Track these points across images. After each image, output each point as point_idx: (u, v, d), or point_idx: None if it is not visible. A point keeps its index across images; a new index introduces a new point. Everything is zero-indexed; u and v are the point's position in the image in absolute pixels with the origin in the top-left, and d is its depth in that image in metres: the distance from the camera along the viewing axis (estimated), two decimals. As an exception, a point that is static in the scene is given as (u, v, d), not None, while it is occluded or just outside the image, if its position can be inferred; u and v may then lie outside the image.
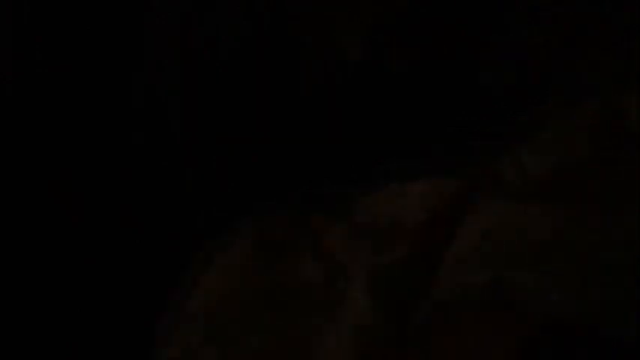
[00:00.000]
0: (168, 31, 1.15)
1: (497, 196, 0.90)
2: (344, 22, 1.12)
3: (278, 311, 0.90)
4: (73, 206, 1.14)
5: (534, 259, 0.85)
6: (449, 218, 0.91)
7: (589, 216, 0.86)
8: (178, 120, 1.14)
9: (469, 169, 0.96)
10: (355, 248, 0.92)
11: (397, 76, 1.11)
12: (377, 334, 0.87)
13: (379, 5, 1.13)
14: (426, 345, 0.85)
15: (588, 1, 1.10)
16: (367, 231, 0.93)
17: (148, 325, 0.97)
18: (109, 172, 1.14)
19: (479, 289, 0.84)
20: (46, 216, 1.13)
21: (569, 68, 1.09)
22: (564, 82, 1.08)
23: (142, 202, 1.13)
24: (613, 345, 0.81)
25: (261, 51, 1.13)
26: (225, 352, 0.88)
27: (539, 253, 0.85)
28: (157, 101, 1.14)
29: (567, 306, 0.82)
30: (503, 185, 0.92)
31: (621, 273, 0.82)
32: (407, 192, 0.94)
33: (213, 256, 0.95)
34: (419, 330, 0.85)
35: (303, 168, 1.10)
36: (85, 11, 1.14)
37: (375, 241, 0.92)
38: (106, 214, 1.14)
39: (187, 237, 1.06)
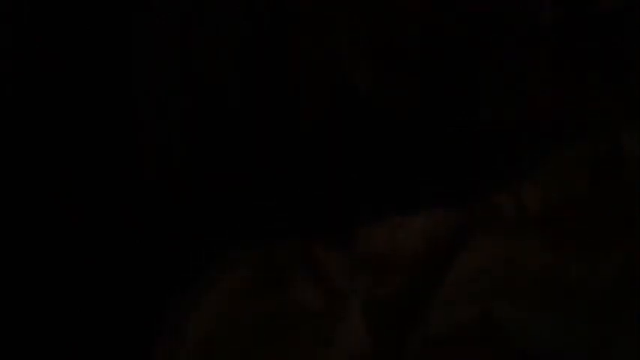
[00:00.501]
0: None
1: (495, 232, 0.92)
2: (349, 48, 1.12)
3: (276, 337, 0.92)
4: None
5: (524, 295, 0.87)
6: (447, 251, 0.93)
7: (580, 252, 0.88)
8: (180, 143, 1.15)
9: (469, 202, 0.97)
10: (354, 278, 0.94)
11: (398, 106, 1.11)
12: (372, 358, 0.89)
13: (383, 35, 1.12)
14: None
15: (587, 38, 1.09)
16: (367, 261, 0.94)
17: (146, 348, 1.00)
18: (109, 186, 1.15)
19: (469, 324, 0.86)
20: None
21: (568, 104, 1.09)
22: (564, 118, 1.08)
23: (143, 226, 1.15)
24: None
25: (262, 81, 1.13)
26: None
27: (529, 289, 0.87)
28: (160, 138, 1.15)
29: (555, 342, 0.84)
30: (501, 220, 0.93)
31: (608, 310, 0.84)
32: (408, 224, 0.95)
33: (214, 281, 0.96)
34: (411, 357, 0.87)
35: (305, 196, 1.12)
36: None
37: (375, 271, 0.93)
38: (106, 232, 1.15)
39: (188, 260, 1.08)
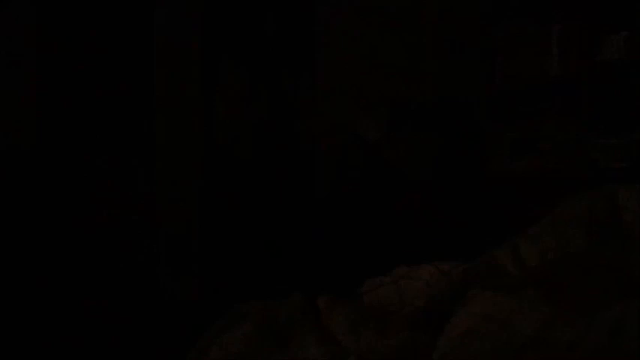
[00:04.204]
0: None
1: (494, 287, 0.92)
2: (363, 106, 1.17)
3: None
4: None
5: (513, 354, 0.86)
6: (448, 304, 0.94)
7: (572, 312, 0.87)
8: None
9: (471, 255, 0.99)
10: (359, 331, 0.94)
11: (406, 158, 1.15)
12: None
13: (395, 95, 1.18)
14: None
15: (594, 87, 1.14)
16: (371, 314, 0.95)
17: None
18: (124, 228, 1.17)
19: None
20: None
21: (573, 159, 1.13)
22: (569, 171, 1.13)
23: (178, 203, 1.16)
24: None
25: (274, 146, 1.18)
26: None
27: (519, 350, 0.87)
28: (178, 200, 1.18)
29: None
30: (500, 275, 0.96)
31: None
32: (413, 275, 0.97)
33: (219, 338, 0.97)
34: None
35: (310, 252, 1.14)
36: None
37: (379, 324, 0.94)
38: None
39: (192, 320, 1.09)
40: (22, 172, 1.18)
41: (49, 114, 1.19)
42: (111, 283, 1.15)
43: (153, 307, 1.14)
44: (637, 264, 0.89)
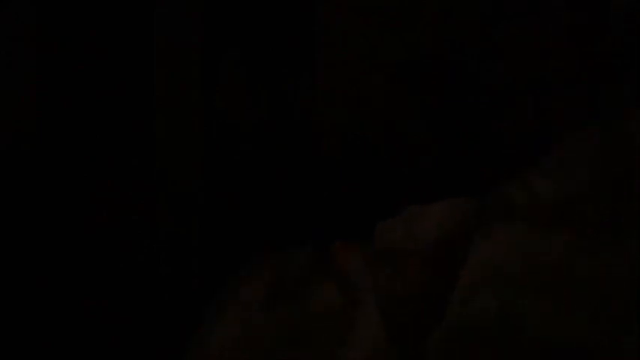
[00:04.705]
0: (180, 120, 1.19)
1: (509, 221, 0.93)
2: (368, 66, 1.16)
3: (299, 340, 0.93)
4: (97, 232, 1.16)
5: (539, 286, 0.87)
6: (462, 242, 0.94)
7: (593, 245, 0.88)
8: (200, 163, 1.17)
9: (483, 191, 0.98)
10: (374, 274, 0.95)
11: (417, 115, 1.14)
12: (390, 355, 0.90)
13: (400, 54, 1.16)
14: None
15: (602, 35, 1.12)
16: (384, 255, 0.96)
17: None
18: (133, 202, 1.17)
19: (487, 316, 0.87)
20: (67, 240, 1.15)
21: (581, 96, 1.12)
22: (576, 110, 1.11)
23: (160, 244, 1.16)
24: None
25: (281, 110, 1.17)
26: None
27: (544, 281, 0.88)
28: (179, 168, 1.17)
29: (570, 332, 0.85)
30: (514, 209, 0.94)
31: (620, 304, 0.85)
32: (425, 213, 0.96)
33: (237, 291, 0.99)
34: (435, 353, 0.88)
35: (323, 202, 1.13)
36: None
37: (391, 266, 0.95)
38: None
39: (209, 274, 1.08)
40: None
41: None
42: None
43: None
44: None
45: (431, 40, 1.20)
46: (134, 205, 1.18)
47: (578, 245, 0.88)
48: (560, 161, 0.97)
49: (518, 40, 1.19)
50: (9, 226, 1.15)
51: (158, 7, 1.19)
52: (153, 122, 1.19)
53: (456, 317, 0.88)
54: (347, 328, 0.92)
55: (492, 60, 1.19)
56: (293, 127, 1.19)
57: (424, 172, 1.11)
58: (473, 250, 0.91)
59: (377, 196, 1.12)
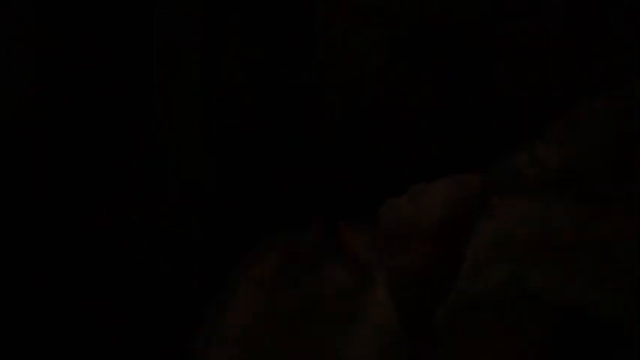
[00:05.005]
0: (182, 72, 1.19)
1: (515, 191, 0.91)
2: (368, 31, 1.15)
3: (309, 321, 0.92)
4: (104, 213, 1.16)
5: (553, 253, 0.86)
6: (470, 216, 0.92)
7: (604, 211, 0.86)
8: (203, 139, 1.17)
9: (488, 164, 0.96)
10: (381, 251, 0.94)
11: (416, 82, 1.13)
12: (400, 335, 0.89)
13: (401, 18, 1.15)
14: (448, 344, 0.86)
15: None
16: (391, 233, 0.95)
17: (181, 346, 0.99)
18: (139, 183, 1.17)
19: (500, 286, 0.86)
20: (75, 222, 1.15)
21: (583, 61, 1.10)
22: (579, 75, 1.09)
23: (180, 201, 1.16)
24: (633, 339, 0.82)
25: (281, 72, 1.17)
26: None
27: (557, 247, 0.86)
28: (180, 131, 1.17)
29: (586, 300, 0.84)
30: (520, 179, 0.93)
31: (634, 267, 0.83)
32: (430, 190, 0.95)
33: (246, 273, 0.98)
34: (442, 329, 0.87)
35: (328, 179, 1.13)
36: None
37: (399, 242, 0.94)
38: (138, 229, 1.16)
39: (219, 254, 1.08)
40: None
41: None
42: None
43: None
44: None
45: (431, 13, 1.18)
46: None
47: (589, 211, 0.86)
48: (565, 128, 0.95)
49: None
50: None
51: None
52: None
53: (463, 292, 0.86)
54: (356, 308, 0.91)
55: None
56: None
57: (428, 149, 1.10)
58: (480, 225, 0.90)
59: (381, 176, 1.11)
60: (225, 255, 1.12)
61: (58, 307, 1.15)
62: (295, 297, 0.94)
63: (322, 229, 0.99)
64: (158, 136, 1.18)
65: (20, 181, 1.17)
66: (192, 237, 1.16)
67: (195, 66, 1.19)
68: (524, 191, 0.90)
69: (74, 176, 1.18)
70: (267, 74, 1.19)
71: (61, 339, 1.14)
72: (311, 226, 1.00)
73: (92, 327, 1.14)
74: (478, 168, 0.96)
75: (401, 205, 0.95)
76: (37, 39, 1.17)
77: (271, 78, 1.19)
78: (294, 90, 1.18)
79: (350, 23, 1.19)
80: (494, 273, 0.86)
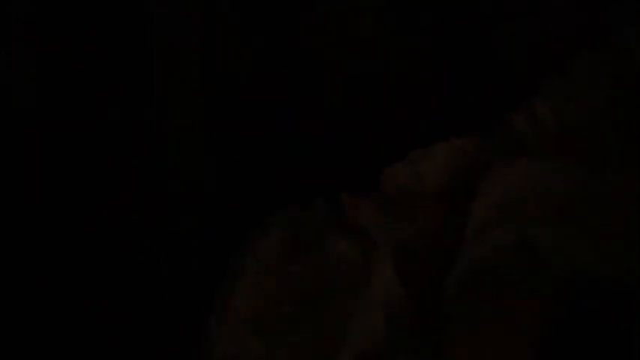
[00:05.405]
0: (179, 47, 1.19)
1: (516, 153, 0.90)
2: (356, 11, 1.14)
3: (317, 297, 0.90)
4: (112, 196, 1.16)
5: (557, 216, 0.84)
6: (471, 178, 0.90)
7: (606, 170, 0.85)
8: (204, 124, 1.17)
9: (486, 126, 0.95)
10: (383, 219, 0.92)
11: (411, 51, 1.12)
12: (406, 307, 0.87)
13: None
14: (455, 313, 0.85)
15: None
16: (393, 200, 0.93)
17: (193, 323, 0.98)
18: (144, 163, 1.17)
19: (504, 251, 0.84)
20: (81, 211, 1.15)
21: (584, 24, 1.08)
22: (579, 36, 1.07)
23: (179, 200, 1.16)
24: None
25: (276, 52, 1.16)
26: (273, 344, 0.89)
27: (561, 209, 0.85)
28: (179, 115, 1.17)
29: (593, 261, 0.82)
30: (520, 139, 0.91)
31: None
32: (429, 155, 0.93)
33: (251, 252, 0.96)
34: (450, 301, 0.85)
35: (328, 151, 1.12)
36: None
37: (402, 209, 0.92)
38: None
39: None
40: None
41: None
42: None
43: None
44: None
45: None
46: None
47: (591, 171, 0.84)
48: (564, 86, 0.93)
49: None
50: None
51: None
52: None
53: (469, 258, 0.84)
54: (363, 279, 0.89)
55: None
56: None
57: (425, 113, 1.09)
58: (482, 188, 0.88)
59: (381, 143, 1.10)
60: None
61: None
62: (302, 274, 0.92)
63: (323, 202, 0.97)
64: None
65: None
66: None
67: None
68: (525, 152, 0.88)
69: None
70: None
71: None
72: (311, 201, 0.98)
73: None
74: (478, 130, 0.95)
75: (401, 170, 0.93)
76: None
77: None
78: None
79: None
80: (500, 238, 0.84)
